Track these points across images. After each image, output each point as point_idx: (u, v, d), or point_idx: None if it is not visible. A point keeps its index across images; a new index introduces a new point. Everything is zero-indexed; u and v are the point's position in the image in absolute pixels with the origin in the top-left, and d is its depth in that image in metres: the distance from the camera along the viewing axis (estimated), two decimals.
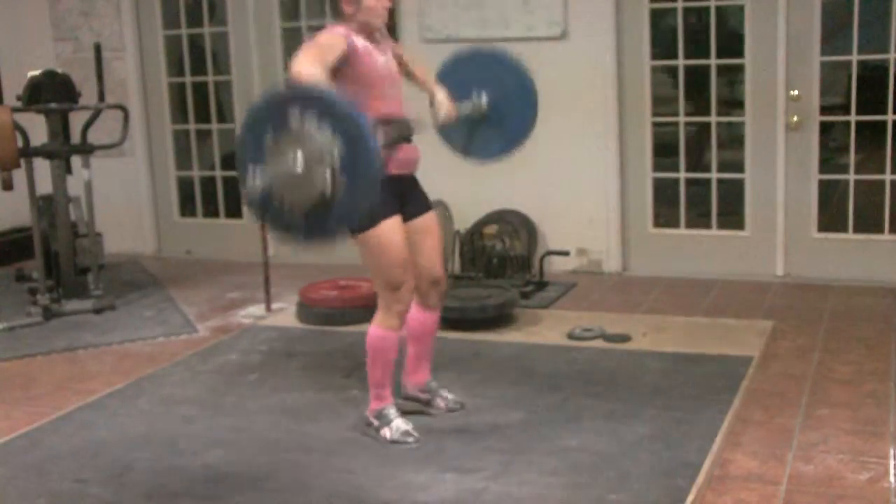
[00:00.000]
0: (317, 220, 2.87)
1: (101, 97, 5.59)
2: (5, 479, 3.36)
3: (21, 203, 5.74)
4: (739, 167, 5.78)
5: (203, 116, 6.93)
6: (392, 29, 4.41)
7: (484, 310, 4.84)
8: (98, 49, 5.60)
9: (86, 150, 5.54)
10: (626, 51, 5.83)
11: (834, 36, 5.51)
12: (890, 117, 5.48)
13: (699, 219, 5.94)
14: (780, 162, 5.65)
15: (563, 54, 5.83)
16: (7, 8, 6.98)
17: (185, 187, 7.08)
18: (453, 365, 4.22)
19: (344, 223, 2.96)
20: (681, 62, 5.79)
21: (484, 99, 3.79)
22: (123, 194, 6.97)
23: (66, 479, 3.32)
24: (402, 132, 3.44)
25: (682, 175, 5.91)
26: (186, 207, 7.11)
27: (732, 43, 5.68)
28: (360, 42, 3.37)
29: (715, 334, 4.66)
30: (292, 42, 6.58)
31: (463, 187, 5.78)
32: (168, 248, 7.10)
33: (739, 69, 5.68)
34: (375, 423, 3.55)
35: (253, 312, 5.44)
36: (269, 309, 5.43)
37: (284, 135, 2.81)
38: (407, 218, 3.49)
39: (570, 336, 4.68)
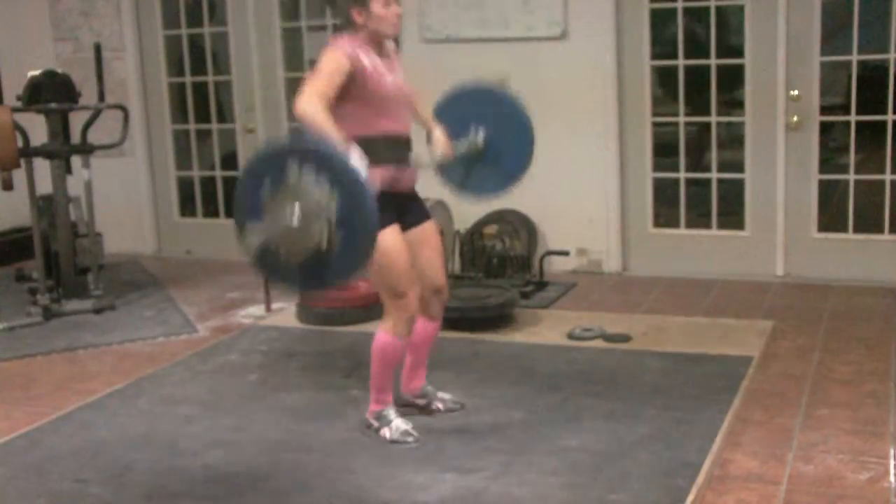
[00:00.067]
0: (312, 272, 2.90)
1: (101, 97, 5.59)
2: (5, 479, 3.36)
3: (21, 203, 5.74)
4: (739, 167, 5.78)
5: (203, 116, 6.93)
6: None
7: (484, 310, 4.84)
8: (98, 49, 5.61)
9: (86, 150, 5.54)
10: (626, 51, 5.83)
11: (834, 36, 5.51)
12: (890, 117, 5.47)
13: (699, 219, 5.94)
14: (780, 162, 5.65)
15: (563, 54, 5.83)
16: (7, 8, 6.98)
17: (185, 187, 7.08)
18: (453, 365, 4.22)
19: (340, 277, 2.99)
20: (681, 62, 5.79)
21: (480, 136, 3.75)
22: (123, 194, 6.97)
23: (66, 479, 3.32)
24: (403, 154, 3.42)
25: (682, 175, 5.91)
26: (186, 207, 7.11)
27: (732, 43, 5.68)
28: (368, 60, 3.31)
29: (715, 334, 4.66)
30: (292, 42, 6.60)
31: None
32: (168, 248, 7.10)
33: (739, 69, 5.68)
34: (375, 424, 3.55)
35: (253, 312, 5.44)
36: (269, 309, 5.43)
37: (282, 187, 2.84)
38: (406, 227, 3.46)
39: (570, 336, 4.68)
